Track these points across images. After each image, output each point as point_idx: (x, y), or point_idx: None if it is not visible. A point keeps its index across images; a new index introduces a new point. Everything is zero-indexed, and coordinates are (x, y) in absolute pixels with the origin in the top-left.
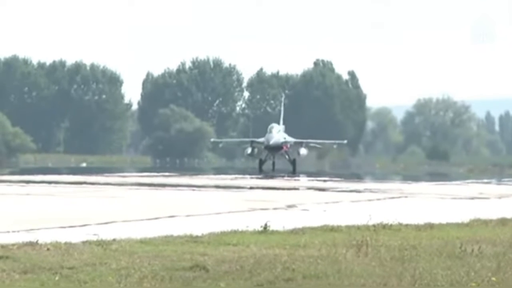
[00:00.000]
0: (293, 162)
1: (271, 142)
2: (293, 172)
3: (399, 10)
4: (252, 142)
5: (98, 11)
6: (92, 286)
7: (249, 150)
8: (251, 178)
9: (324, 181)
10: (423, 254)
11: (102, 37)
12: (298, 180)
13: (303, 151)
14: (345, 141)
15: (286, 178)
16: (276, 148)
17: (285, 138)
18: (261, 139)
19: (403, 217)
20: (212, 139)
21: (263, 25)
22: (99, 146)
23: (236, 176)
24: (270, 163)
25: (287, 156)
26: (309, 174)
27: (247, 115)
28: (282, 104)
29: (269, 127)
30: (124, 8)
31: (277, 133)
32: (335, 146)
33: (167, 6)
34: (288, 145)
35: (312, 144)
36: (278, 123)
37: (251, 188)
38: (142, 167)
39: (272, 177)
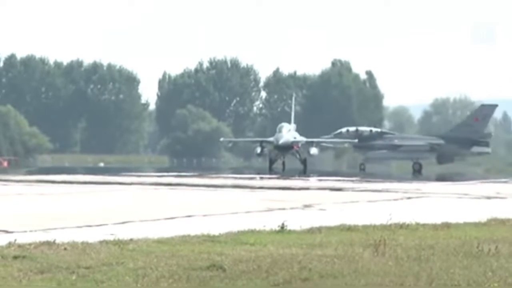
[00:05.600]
0: (304, 162)
1: (281, 141)
2: (304, 172)
3: (418, 11)
4: (261, 141)
5: (115, 11)
6: (109, 285)
7: (258, 150)
8: (261, 178)
9: (339, 180)
10: (440, 253)
11: (119, 37)
12: (308, 180)
13: (313, 150)
14: (356, 140)
15: (296, 178)
16: (286, 148)
17: (295, 138)
18: (271, 139)
19: (420, 216)
20: (221, 139)
21: (281, 25)
22: (116, 146)
23: (243, 176)
24: (281, 163)
25: (298, 156)
26: (325, 174)
27: (264, 115)
28: (293, 103)
29: (279, 126)
30: (141, 8)
31: (287, 133)
32: (346, 145)
33: (184, 6)
34: (299, 145)
35: (323, 144)
36: (289, 123)
37: (260, 188)
38: (159, 167)
39: (282, 177)
